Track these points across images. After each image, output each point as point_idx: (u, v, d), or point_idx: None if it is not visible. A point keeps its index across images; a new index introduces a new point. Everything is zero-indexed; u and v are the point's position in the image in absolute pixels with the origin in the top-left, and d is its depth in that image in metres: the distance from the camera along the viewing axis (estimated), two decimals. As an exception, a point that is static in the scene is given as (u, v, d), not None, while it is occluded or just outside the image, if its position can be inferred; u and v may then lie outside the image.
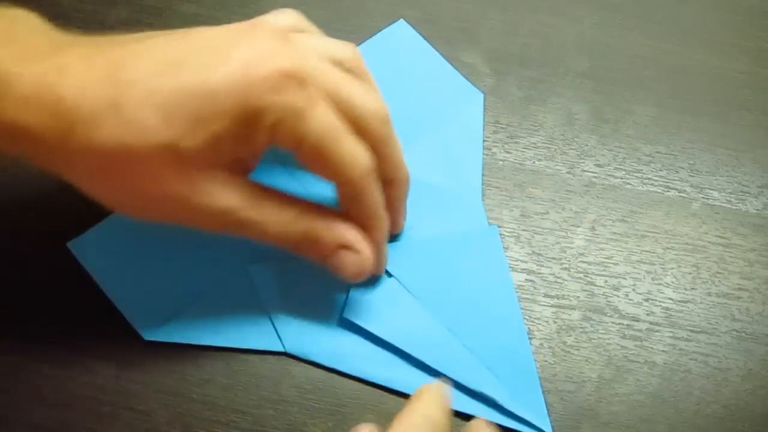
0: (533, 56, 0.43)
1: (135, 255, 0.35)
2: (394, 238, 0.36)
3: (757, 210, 0.39)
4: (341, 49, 0.32)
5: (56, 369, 0.33)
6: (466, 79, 0.41)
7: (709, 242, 0.38)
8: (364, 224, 0.32)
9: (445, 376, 0.33)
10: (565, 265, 0.36)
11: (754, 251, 0.37)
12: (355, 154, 0.30)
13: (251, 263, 0.35)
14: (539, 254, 0.37)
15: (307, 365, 0.34)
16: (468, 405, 0.33)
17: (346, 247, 0.31)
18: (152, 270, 0.34)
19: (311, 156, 0.30)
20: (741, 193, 0.39)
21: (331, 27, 0.37)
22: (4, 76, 0.27)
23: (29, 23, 0.30)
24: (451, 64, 0.41)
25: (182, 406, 0.33)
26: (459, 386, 0.33)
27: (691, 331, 0.35)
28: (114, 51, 0.29)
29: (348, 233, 0.31)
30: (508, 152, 0.39)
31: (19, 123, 0.27)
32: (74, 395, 0.32)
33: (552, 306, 0.35)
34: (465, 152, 0.39)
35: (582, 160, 0.40)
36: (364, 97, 0.31)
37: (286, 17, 0.32)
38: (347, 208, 0.32)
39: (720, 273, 0.37)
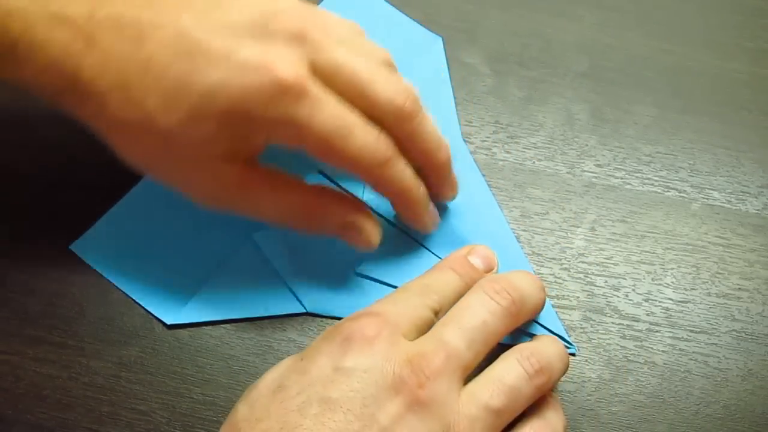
0: (533, 56, 0.43)
1: (139, 245, 0.35)
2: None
3: (757, 210, 0.39)
4: (371, 47, 0.33)
5: (56, 369, 0.33)
6: (423, 26, 0.42)
7: (709, 242, 0.38)
8: (394, 201, 0.33)
9: None
10: (565, 266, 0.36)
11: (754, 251, 0.37)
12: (366, 148, 0.30)
13: (255, 231, 0.35)
14: (539, 254, 0.37)
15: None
16: None
17: (347, 226, 0.32)
18: (159, 256, 0.35)
19: (318, 154, 0.30)
20: (741, 193, 0.39)
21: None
22: (30, 41, 0.28)
23: None
24: (406, 15, 0.42)
25: (182, 406, 0.33)
26: None
27: (691, 331, 0.35)
28: (146, 16, 0.29)
29: (347, 215, 0.32)
30: (508, 152, 0.39)
31: (40, 86, 0.30)
32: (74, 395, 0.32)
33: (552, 306, 0.35)
34: (436, 95, 0.40)
35: (582, 160, 0.40)
36: (384, 92, 0.31)
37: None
38: (373, 188, 0.32)
39: (720, 273, 0.37)
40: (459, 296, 0.30)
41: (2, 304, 0.34)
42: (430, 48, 0.42)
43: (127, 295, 0.34)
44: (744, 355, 0.35)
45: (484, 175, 0.38)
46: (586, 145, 0.40)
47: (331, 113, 0.29)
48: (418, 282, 0.31)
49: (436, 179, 0.34)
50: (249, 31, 0.29)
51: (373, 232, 0.33)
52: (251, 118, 0.29)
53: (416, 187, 0.33)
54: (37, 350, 0.33)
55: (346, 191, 0.36)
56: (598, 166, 0.39)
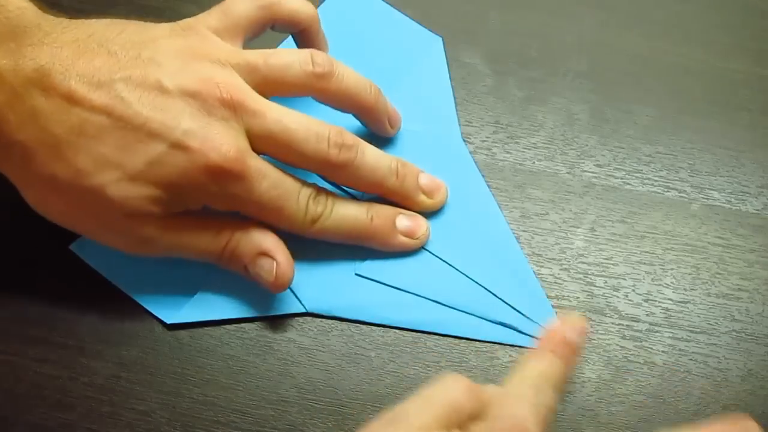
0: (533, 56, 0.43)
1: None
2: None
3: (757, 210, 0.39)
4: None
5: (56, 369, 0.33)
6: (423, 26, 0.42)
7: (708, 243, 0.38)
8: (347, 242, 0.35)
9: (459, 310, 0.35)
10: (564, 266, 0.36)
11: (754, 252, 0.37)
12: (298, 216, 0.33)
13: None
14: (539, 255, 0.37)
15: (306, 365, 0.34)
16: (487, 332, 0.34)
17: (263, 254, 0.33)
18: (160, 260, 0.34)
19: (260, 218, 0.33)
20: (741, 194, 0.39)
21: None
22: None
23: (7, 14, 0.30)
24: (406, 15, 0.42)
25: (182, 406, 0.33)
26: (474, 316, 0.35)
27: (691, 331, 0.35)
28: (72, 72, 0.29)
29: (265, 241, 0.33)
30: (508, 152, 0.39)
31: None
32: (74, 395, 0.32)
33: (552, 307, 0.35)
34: (436, 95, 0.40)
35: (582, 161, 0.40)
36: (314, 145, 0.33)
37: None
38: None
39: (720, 273, 0.37)
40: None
41: (2, 305, 0.34)
42: (430, 48, 0.42)
43: (127, 294, 0.34)
44: (744, 355, 0.35)
45: (484, 176, 0.38)
46: (586, 145, 0.40)
47: (269, 185, 0.32)
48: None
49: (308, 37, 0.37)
50: (185, 104, 0.30)
51: (284, 262, 0.33)
52: (192, 191, 0.31)
53: (365, 218, 0.34)
54: (37, 350, 0.33)
55: (349, 194, 0.36)
56: (598, 166, 0.39)
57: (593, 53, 0.43)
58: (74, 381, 0.33)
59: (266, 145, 0.32)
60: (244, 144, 0.31)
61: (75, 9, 0.41)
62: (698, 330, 0.35)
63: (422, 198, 0.36)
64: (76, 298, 0.34)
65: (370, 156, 0.34)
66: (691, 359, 0.35)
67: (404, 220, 0.35)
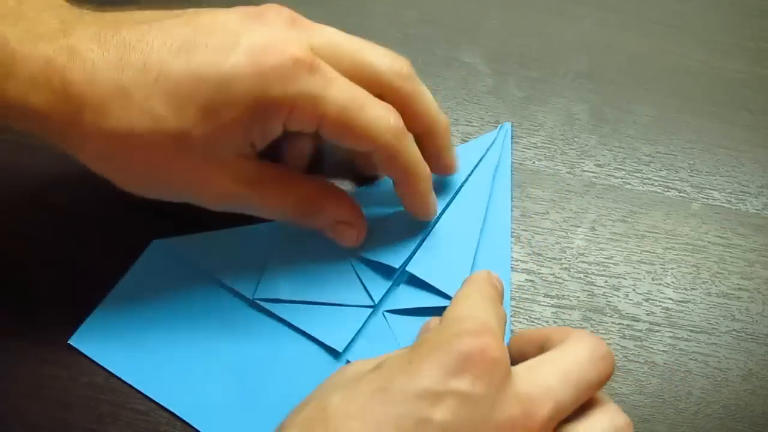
0: (533, 56, 0.43)
1: (137, 332, 0.33)
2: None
3: (757, 210, 0.39)
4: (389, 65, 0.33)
5: (56, 369, 0.33)
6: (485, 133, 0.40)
7: (709, 242, 0.38)
8: (403, 180, 0.32)
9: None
10: (565, 265, 0.36)
11: (754, 251, 0.37)
12: (381, 119, 0.30)
13: (250, 306, 0.34)
14: (539, 254, 0.37)
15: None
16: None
17: (343, 222, 0.33)
18: (158, 342, 0.33)
19: (336, 131, 0.30)
20: (741, 193, 0.39)
21: (331, 27, 0.37)
22: (11, 57, 0.27)
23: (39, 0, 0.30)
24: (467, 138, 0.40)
25: (182, 406, 0.33)
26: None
27: (691, 331, 0.35)
28: (125, 31, 0.29)
29: (343, 211, 0.33)
30: (508, 152, 0.39)
31: (27, 104, 0.28)
32: (74, 395, 0.32)
33: (552, 306, 0.35)
34: (497, 181, 0.38)
35: (582, 160, 0.40)
36: (382, 59, 0.31)
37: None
38: (384, 168, 0.32)
39: (720, 273, 0.37)
40: None
41: (2, 304, 0.34)
42: (501, 140, 0.39)
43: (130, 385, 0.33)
44: (744, 355, 0.35)
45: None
46: (586, 145, 0.40)
47: (343, 86, 0.30)
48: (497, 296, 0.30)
49: (438, 146, 0.34)
50: (243, 23, 0.29)
51: (361, 227, 0.33)
52: (269, 99, 0.29)
53: (423, 164, 0.33)
54: (37, 350, 0.33)
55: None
56: (598, 165, 0.39)
57: (593, 53, 0.43)
58: (74, 381, 0.33)
59: (330, 58, 0.30)
60: (309, 46, 0.30)
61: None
62: (698, 330, 0.35)
63: (451, 155, 0.35)
64: (76, 298, 0.34)
65: (427, 90, 0.33)
66: (691, 359, 0.35)
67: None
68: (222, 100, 0.28)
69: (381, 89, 0.31)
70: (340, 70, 0.30)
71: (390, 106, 0.31)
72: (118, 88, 0.28)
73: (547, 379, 0.26)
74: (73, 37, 0.28)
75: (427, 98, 0.33)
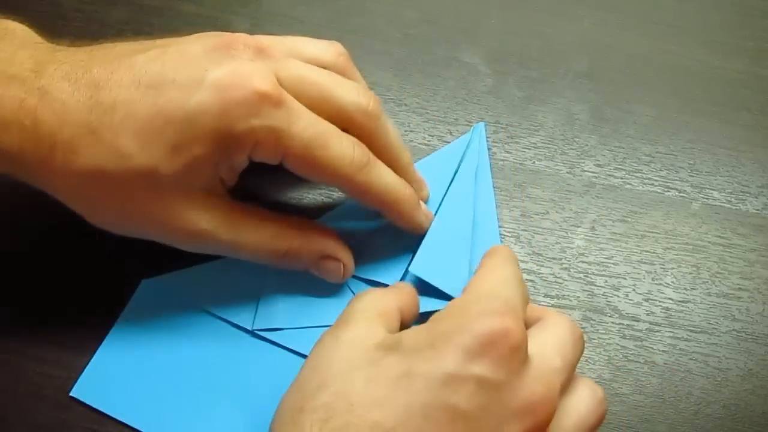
0: (533, 56, 0.43)
1: (138, 376, 0.33)
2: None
3: (757, 210, 0.39)
4: (324, 51, 0.33)
5: (56, 369, 0.33)
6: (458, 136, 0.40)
7: (709, 242, 0.38)
8: (382, 208, 0.32)
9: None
10: (565, 265, 0.36)
11: (754, 251, 0.37)
12: (346, 152, 0.30)
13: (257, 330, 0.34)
14: (539, 254, 0.37)
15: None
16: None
17: (327, 257, 0.33)
18: (161, 382, 0.33)
19: (300, 166, 0.30)
20: (741, 193, 0.39)
21: (331, 27, 0.37)
22: None
23: (14, 37, 0.30)
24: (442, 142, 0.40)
25: (182, 406, 0.33)
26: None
27: (691, 331, 0.35)
28: (95, 69, 0.29)
29: (327, 245, 0.33)
30: (508, 152, 0.39)
31: None
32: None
33: (552, 306, 0.35)
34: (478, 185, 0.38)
35: (582, 160, 0.40)
36: (348, 94, 0.31)
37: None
38: (359, 200, 0.32)
39: (720, 273, 0.37)
40: None
41: (3, 304, 0.34)
42: (477, 140, 0.39)
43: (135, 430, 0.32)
44: (744, 355, 0.35)
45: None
46: (586, 145, 0.40)
47: (308, 121, 0.30)
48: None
49: (406, 179, 0.34)
50: (210, 56, 0.30)
51: (347, 262, 0.33)
52: (234, 134, 0.29)
53: (401, 185, 0.33)
54: (37, 350, 0.33)
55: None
56: (598, 165, 0.39)
57: (593, 53, 0.43)
58: (74, 381, 0.33)
59: (296, 90, 0.30)
60: (275, 79, 0.30)
61: (74, 9, 0.41)
62: (698, 330, 0.35)
63: (418, 185, 0.35)
64: (76, 298, 0.34)
65: (390, 124, 0.33)
66: (691, 359, 0.35)
67: (422, 202, 0.34)
68: (188, 137, 0.29)
69: (345, 124, 0.31)
70: (305, 102, 0.30)
71: (355, 140, 0.31)
72: (87, 127, 0.28)
73: (553, 360, 0.27)
74: (45, 77, 0.28)
75: (390, 135, 0.33)
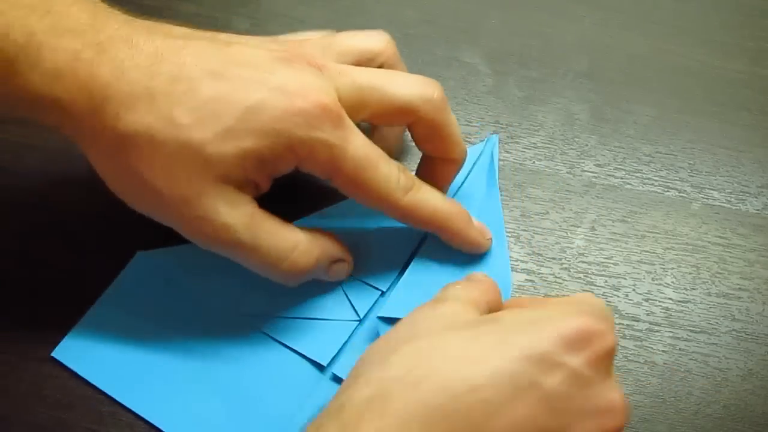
0: (533, 56, 0.43)
1: (120, 346, 0.33)
2: None
3: (757, 210, 0.39)
4: (373, 42, 0.33)
5: (56, 369, 0.33)
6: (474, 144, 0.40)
7: (709, 242, 0.38)
8: (433, 228, 0.33)
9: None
10: (565, 265, 0.36)
11: (754, 251, 0.37)
12: (391, 177, 0.31)
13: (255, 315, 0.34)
14: (539, 254, 0.37)
15: (307, 365, 0.34)
16: None
17: (336, 260, 0.33)
18: (141, 355, 0.33)
19: (348, 185, 0.31)
20: (741, 193, 0.39)
21: (331, 27, 0.37)
22: (37, 49, 0.27)
23: None
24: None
25: (182, 406, 0.33)
26: None
27: (691, 331, 0.35)
28: (159, 41, 0.29)
29: (335, 251, 0.33)
30: (508, 152, 0.39)
31: (49, 95, 0.28)
32: (74, 395, 0.32)
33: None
34: (484, 193, 0.38)
35: (582, 160, 0.40)
36: (411, 88, 0.31)
37: (313, 35, 0.34)
38: (409, 224, 0.33)
39: (720, 273, 0.37)
40: None
41: (3, 305, 0.34)
42: (489, 152, 0.39)
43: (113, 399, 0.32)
44: (744, 355, 0.35)
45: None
46: (586, 145, 0.40)
47: (360, 144, 0.30)
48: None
49: (450, 172, 0.34)
50: (275, 62, 0.30)
51: (351, 264, 0.34)
52: (291, 139, 0.29)
53: (450, 204, 0.33)
54: (37, 350, 0.33)
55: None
56: (598, 166, 0.39)
57: (593, 53, 0.43)
58: (74, 381, 0.33)
59: (355, 101, 0.30)
60: (337, 96, 0.30)
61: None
62: (698, 330, 0.35)
63: (460, 153, 0.34)
64: (76, 298, 0.34)
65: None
66: (691, 359, 0.35)
67: (474, 219, 0.34)
68: (244, 127, 0.28)
69: (411, 118, 0.32)
70: (369, 110, 0.31)
71: (402, 166, 0.31)
72: (145, 89, 0.28)
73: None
74: (103, 34, 0.28)
75: (453, 125, 0.33)
